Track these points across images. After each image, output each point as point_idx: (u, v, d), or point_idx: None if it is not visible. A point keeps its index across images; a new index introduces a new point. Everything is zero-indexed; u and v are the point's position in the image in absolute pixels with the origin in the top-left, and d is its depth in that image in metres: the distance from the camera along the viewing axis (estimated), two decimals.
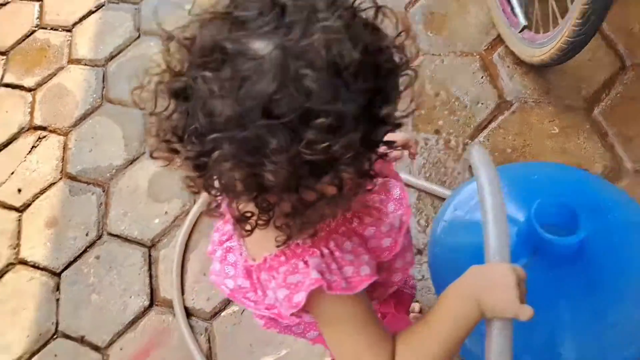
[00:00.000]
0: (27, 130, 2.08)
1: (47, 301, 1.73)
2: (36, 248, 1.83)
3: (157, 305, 1.63)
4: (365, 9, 0.59)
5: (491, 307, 0.65)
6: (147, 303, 1.63)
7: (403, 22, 0.62)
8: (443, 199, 1.58)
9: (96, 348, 1.61)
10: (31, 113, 2.11)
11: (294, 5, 0.55)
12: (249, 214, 0.62)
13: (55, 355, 1.63)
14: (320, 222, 0.66)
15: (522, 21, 1.71)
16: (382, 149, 0.62)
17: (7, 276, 1.81)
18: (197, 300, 1.60)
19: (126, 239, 1.76)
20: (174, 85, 0.58)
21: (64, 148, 2.00)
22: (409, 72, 0.61)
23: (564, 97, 1.74)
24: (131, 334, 1.60)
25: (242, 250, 0.73)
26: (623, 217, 0.98)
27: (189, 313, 1.58)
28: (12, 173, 2.00)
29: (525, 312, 0.63)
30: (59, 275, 1.76)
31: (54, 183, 1.94)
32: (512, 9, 1.77)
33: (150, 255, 1.71)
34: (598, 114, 1.69)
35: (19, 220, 1.91)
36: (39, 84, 2.17)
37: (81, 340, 1.63)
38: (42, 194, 1.93)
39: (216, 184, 0.59)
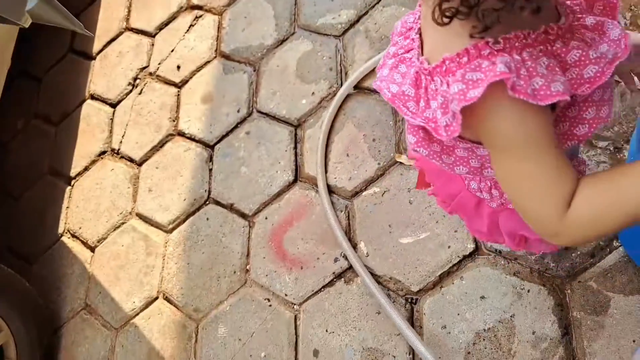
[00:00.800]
0: (185, 9, 2.16)
1: (201, 170, 1.85)
2: (192, 121, 1.94)
3: (301, 180, 1.68)
4: None
5: None
6: (291, 178, 1.69)
7: None
8: None
9: (243, 215, 1.71)
10: None
11: None
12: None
13: (207, 219, 1.76)
14: (520, 27, 0.60)
15: None
16: None
17: (167, 145, 1.96)
18: (339, 179, 1.62)
19: (274, 117, 1.80)
20: None
21: (218, 27, 2.06)
22: None
23: None
24: (276, 205, 1.67)
25: (418, 56, 0.69)
26: None
27: (330, 190, 1.61)
28: (172, 50, 2.11)
29: None
30: (212, 147, 1.87)
31: (209, 61, 2.02)
32: None
33: (296, 134, 1.75)
34: None
35: (178, 95, 2.03)
36: None
37: (230, 208, 1.74)
38: (198, 71, 2.02)
39: None
